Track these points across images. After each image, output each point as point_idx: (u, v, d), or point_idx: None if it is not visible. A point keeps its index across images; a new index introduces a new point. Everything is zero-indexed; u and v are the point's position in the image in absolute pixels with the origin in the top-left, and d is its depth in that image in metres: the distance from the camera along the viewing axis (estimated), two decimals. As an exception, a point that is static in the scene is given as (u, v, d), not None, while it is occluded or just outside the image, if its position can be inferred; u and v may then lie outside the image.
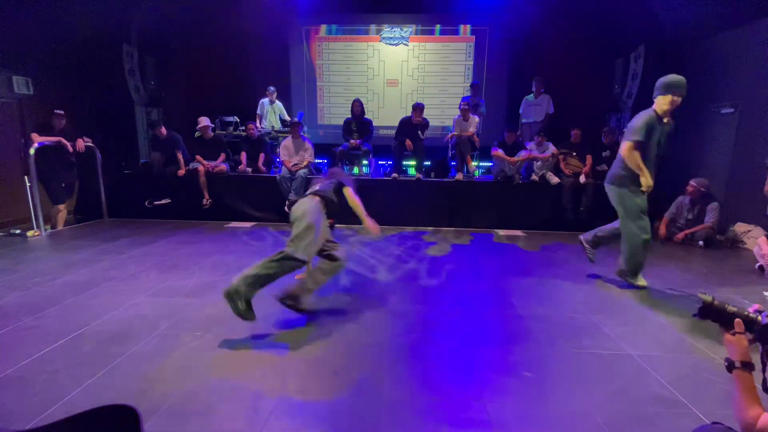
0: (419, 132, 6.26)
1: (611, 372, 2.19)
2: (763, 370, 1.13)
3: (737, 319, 1.15)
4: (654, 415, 1.84)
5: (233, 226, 5.77)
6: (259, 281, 2.46)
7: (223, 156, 6.20)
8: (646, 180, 3.19)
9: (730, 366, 1.15)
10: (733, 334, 1.16)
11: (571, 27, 7.28)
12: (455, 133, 6.38)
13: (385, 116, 8.31)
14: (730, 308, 1.18)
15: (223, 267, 3.84)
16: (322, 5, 7.89)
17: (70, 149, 5.26)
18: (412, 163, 6.66)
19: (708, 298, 1.21)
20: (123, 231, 5.28)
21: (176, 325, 2.62)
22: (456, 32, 8.18)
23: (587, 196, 5.65)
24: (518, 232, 5.66)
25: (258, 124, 7.00)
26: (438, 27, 8.17)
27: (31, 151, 4.91)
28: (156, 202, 6.01)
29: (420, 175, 6.15)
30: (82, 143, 5.39)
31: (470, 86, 7.31)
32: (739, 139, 5.37)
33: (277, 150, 6.52)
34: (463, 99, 6.99)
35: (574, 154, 5.98)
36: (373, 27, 8.23)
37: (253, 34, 7.81)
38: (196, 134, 6.26)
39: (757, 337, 1.15)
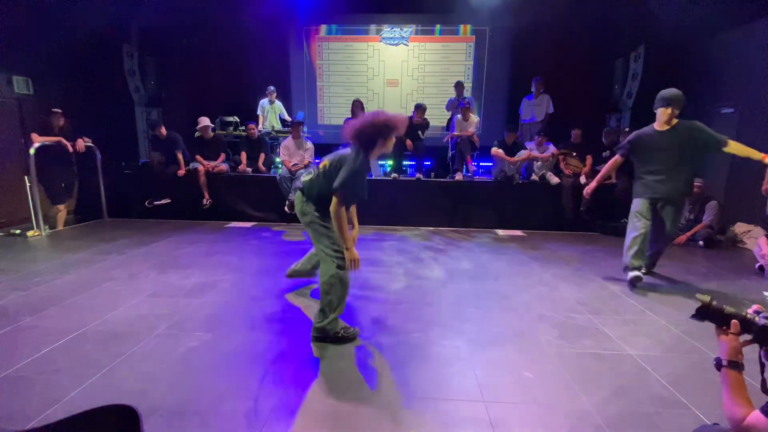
0: (419, 132, 6.26)
1: (611, 372, 2.19)
2: (762, 371, 1.13)
3: (733, 320, 1.16)
4: (654, 415, 1.84)
5: (233, 226, 5.77)
6: None
7: (223, 156, 6.20)
8: None
9: (719, 364, 1.17)
10: (728, 334, 1.17)
11: (571, 27, 7.28)
12: (455, 133, 6.38)
13: (385, 116, 8.29)
14: (728, 309, 1.18)
15: (223, 267, 3.84)
16: (322, 5, 7.89)
17: (70, 149, 5.26)
18: (412, 163, 6.66)
19: (705, 299, 1.21)
20: (123, 231, 5.28)
21: (176, 325, 2.62)
22: (456, 32, 8.18)
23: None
24: (518, 232, 5.66)
25: (258, 125, 7.00)
26: (438, 27, 8.17)
27: (31, 151, 4.91)
28: (156, 202, 6.01)
29: (420, 175, 6.15)
30: (81, 143, 5.39)
31: (455, 84, 7.13)
32: (739, 139, 5.31)
33: (277, 150, 6.52)
34: (450, 101, 7.00)
35: (574, 154, 5.98)
36: (373, 27, 8.23)
37: (253, 34, 7.81)
38: (196, 134, 6.26)
39: (755, 338, 1.15)
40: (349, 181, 2.27)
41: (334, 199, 2.31)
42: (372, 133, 2.35)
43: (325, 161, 2.47)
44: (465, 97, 6.86)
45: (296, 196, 2.62)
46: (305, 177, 2.58)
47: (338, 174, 2.31)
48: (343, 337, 2.45)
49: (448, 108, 7.17)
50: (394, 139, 2.45)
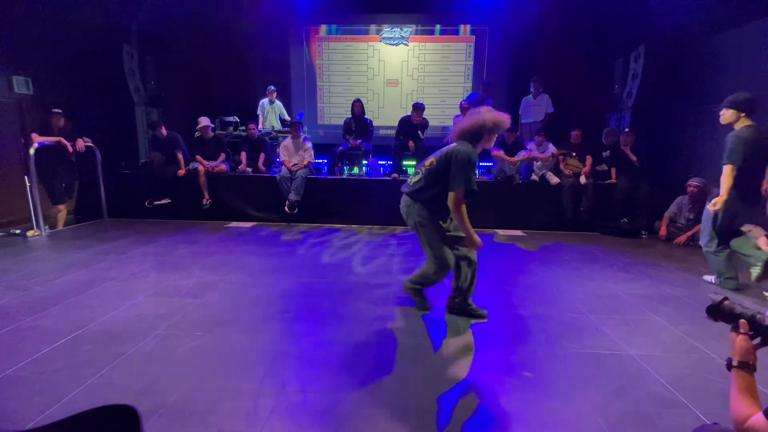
0: (419, 132, 6.26)
1: (611, 372, 2.19)
2: None
3: (742, 320, 1.15)
4: (654, 415, 1.84)
5: (233, 226, 5.77)
6: None
7: (223, 156, 6.20)
8: None
9: (729, 365, 1.16)
10: (739, 335, 1.16)
11: (571, 27, 7.27)
12: (455, 133, 6.37)
13: (385, 116, 8.31)
14: (738, 309, 1.17)
15: (223, 267, 3.84)
16: (322, 5, 7.89)
17: (70, 149, 5.25)
18: (413, 162, 6.65)
19: (717, 298, 1.21)
20: (123, 231, 5.28)
21: (176, 325, 2.62)
22: (456, 32, 8.18)
23: (587, 196, 5.65)
24: (518, 232, 5.66)
25: (258, 125, 7.00)
26: (438, 27, 8.17)
27: (31, 151, 4.91)
28: (156, 202, 6.01)
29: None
30: (81, 143, 5.38)
31: (482, 85, 7.27)
32: (739, 139, 5.36)
33: (277, 150, 6.53)
34: (470, 96, 6.99)
35: (574, 154, 5.98)
36: (373, 27, 8.23)
37: (253, 34, 7.80)
38: (196, 134, 6.26)
39: (763, 340, 1.14)
40: (462, 177, 2.31)
41: (452, 197, 2.35)
42: (480, 130, 2.43)
43: (432, 159, 2.54)
44: (486, 98, 6.87)
45: (403, 199, 2.68)
46: (412, 179, 2.59)
47: (449, 170, 2.35)
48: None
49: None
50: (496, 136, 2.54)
